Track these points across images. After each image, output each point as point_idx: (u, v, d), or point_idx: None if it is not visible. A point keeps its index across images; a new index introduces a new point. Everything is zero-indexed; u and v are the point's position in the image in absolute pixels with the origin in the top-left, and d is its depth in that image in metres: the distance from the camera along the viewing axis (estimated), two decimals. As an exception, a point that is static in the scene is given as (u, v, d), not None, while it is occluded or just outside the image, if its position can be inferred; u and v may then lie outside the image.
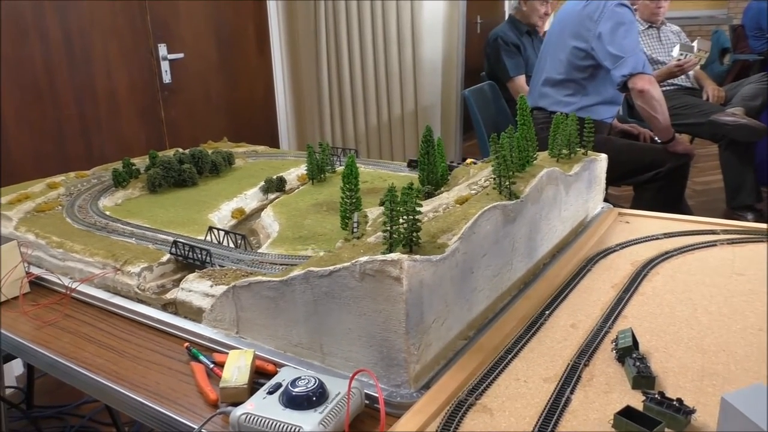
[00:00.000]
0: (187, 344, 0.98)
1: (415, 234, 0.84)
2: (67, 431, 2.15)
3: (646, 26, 3.60)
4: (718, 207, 3.66)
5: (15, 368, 2.44)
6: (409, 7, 3.44)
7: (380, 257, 0.78)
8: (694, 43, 3.29)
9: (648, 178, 2.66)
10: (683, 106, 3.36)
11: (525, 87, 3.36)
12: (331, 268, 0.82)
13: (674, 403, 0.71)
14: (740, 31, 5.68)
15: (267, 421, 0.72)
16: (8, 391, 2.28)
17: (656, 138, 2.71)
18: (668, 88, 3.46)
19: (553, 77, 2.72)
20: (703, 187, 4.24)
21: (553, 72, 2.72)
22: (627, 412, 0.70)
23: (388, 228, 0.84)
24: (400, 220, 0.83)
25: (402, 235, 0.84)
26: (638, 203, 2.75)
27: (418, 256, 0.79)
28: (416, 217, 0.83)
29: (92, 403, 2.24)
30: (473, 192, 1.12)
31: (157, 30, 2.89)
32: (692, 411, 0.71)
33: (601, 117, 2.66)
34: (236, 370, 0.85)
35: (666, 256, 1.18)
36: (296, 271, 0.86)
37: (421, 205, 0.85)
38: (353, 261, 0.80)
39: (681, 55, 3.22)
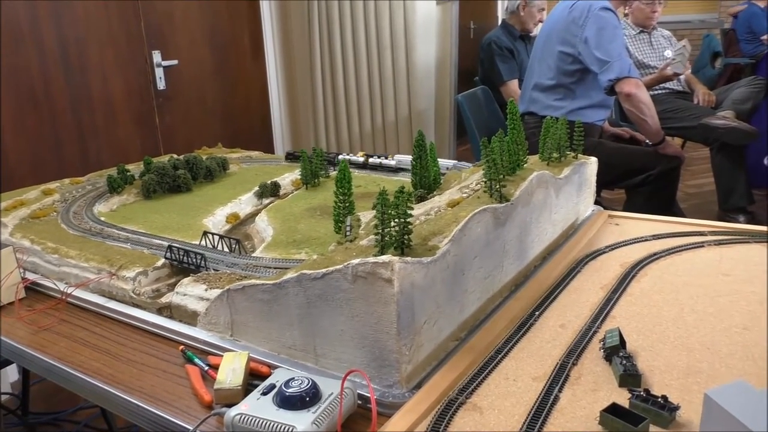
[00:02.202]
0: (182, 347, 0.99)
1: (406, 237, 0.86)
2: (63, 437, 2.16)
3: (638, 31, 3.63)
4: (711, 209, 3.69)
5: (10, 374, 2.45)
6: (402, 13, 3.47)
7: (372, 259, 0.79)
8: (684, 43, 3.32)
9: (639, 181, 2.69)
10: (675, 110, 3.39)
11: (518, 91, 3.39)
12: (324, 270, 0.83)
13: (659, 400, 0.73)
14: (731, 35, 5.74)
15: (261, 421, 0.74)
16: (4, 398, 2.29)
17: (647, 141, 2.74)
18: (660, 91, 3.50)
19: (543, 82, 2.74)
20: (696, 189, 4.28)
21: (542, 77, 2.75)
22: (613, 409, 0.72)
23: (380, 231, 0.85)
24: (392, 223, 0.85)
25: (393, 238, 0.85)
26: (630, 206, 2.78)
27: (409, 258, 0.81)
28: (407, 219, 0.85)
29: (88, 410, 2.24)
30: (465, 195, 1.14)
31: (152, 37, 2.91)
32: (677, 408, 0.72)
33: (592, 120, 2.68)
34: (231, 372, 0.86)
35: (654, 257, 1.20)
36: (289, 274, 0.87)
37: (412, 208, 0.87)
38: (345, 263, 0.81)
39: (677, 54, 3.24)
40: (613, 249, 1.26)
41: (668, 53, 3.54)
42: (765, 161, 3.46)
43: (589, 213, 1.46)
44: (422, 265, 0.82)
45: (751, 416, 0.62)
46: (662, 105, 3.30)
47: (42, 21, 2.47)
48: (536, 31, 3.67)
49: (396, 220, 0.85)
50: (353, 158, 1.75)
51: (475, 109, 3.32)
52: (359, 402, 0.80)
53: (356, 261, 0.80)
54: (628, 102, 2.53)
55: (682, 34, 5.42)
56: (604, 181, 2.58)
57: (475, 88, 3.55)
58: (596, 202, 1.51)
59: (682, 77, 3.53)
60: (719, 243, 1.26)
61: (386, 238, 0.85)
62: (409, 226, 0.85)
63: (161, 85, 2.96)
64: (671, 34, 3.74)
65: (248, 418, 0.74)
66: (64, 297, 1.18)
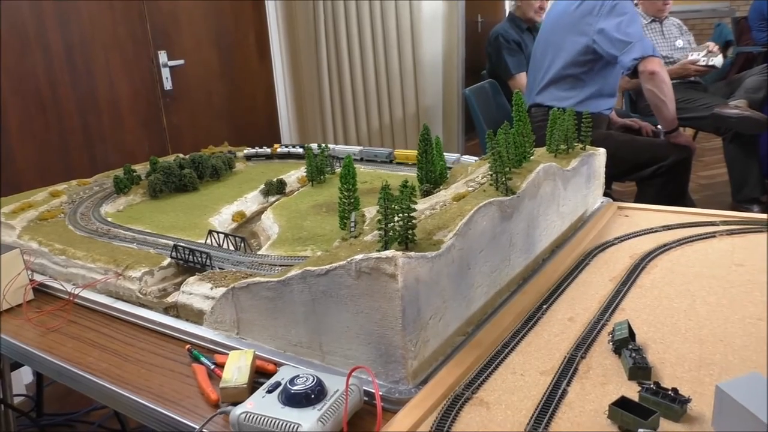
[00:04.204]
0: (188, 346, 0.99)
1: (410, 231, 0.85)
2: (77, 438, 2.17)
3: (649, 20, 3.59)
4: (724, 200, 3.64)
5: (24, 376, 2.46)
6: (408, 8, 3.45)
7: (375, 255, 0.78)
8: (713, 48, 3.28)
9: (650, 173, 2.65)
10: (686, 100, 3.35)
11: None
12: (328, 266, 0.82)
13: (669, 392, 0.71)
14: (743, 24, 5.66)
15: (266, 419, 0.73)
16: (18, 399, 2.30)
17: (659, 126, 2.70)
18: (672, 81, 3.45)
19: (549, 74, 2.72)
20: (708, 181, 4.23)
21: (549, 69, 2.72)
22: (622, 403, 0.70)
23: (383, 226, 0.84)
24: (395, 218, 0.84)
25: (397, 233, 0.84)
26: (641, 199, 2.74)
27: (413, 253, 0.80)
28: (411, 214, 0.84)
29: (101, 410, 2.25)
30: (470, 189, 1.12)
31: (157, 38, 2.91)
32: (688, 400, 0.71)
33: (599, 110, 2.65)
34: (236, 370, 0.85)
35: (665, 248, 1.18)
36: (293, 271, 0.87)
37: (415, 203, 0.86)
38: (349, 259, 0.80)
39: (708, 56, 3.20)
40: (622, 240, 1.24)
41: (679, 43, 3.48)
42: None
43: (598, 205, 1.44)
44: (427, 260, 0.81)
45: (764, 409, 0.61)
46: (674, 94, 3.25)
47: (47, 24, 2.48)
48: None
49: (399, 214, 0.84)
50: (260, 151, 1.88)
51: (483, 102, 3.30)
52: (366, 398, 0.80)
53: (359, 257, 0.79)
54: (651, 81, 2.49)
55: (693, 23, 5.36)
56: (613, 174, 2.55)
57: (482, 81, 3.53)
58: (607, 195, 1.49)
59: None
60: (731, 233, 1.24)
61: (390, 233, 0.84)
62: (413, 221, 0.84)
63: (168, 85, 2.97)
64: (681, 23, 3.70)
65: (254, 417, 0.74)
66: (71, 298, 1.18)
